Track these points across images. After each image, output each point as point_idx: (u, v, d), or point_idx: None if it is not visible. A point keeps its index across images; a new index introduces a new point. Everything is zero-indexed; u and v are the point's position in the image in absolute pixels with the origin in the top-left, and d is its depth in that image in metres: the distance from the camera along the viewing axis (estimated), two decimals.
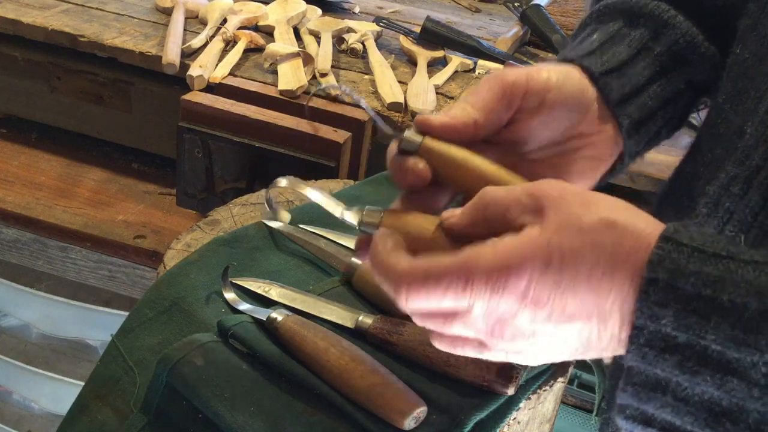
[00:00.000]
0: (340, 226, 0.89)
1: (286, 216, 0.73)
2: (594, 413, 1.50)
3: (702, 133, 0.68)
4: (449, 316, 0.51)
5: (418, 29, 1.51)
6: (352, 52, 1.44)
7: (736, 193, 0.57)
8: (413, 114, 1.25)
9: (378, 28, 1.52)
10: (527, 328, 0.50)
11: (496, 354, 0.53)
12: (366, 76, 1.37)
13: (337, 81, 1.32)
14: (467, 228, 0.53)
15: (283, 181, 0.79)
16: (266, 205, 0.65)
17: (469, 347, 0.54)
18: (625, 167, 0.69)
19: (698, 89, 0.70)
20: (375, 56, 1.41)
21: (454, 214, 0.54)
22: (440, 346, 0.54)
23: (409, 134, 0.58)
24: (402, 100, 1.27)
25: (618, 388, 0.51)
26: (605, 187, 1.34)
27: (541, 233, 0.49)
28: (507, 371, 0.68)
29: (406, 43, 1.47)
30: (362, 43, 1.46)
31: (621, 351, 0.50)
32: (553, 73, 0.62)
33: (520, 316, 0.50)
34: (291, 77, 1.29)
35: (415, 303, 0.51)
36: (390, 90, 1.30)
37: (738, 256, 0.47)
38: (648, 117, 0.67)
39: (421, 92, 1.29)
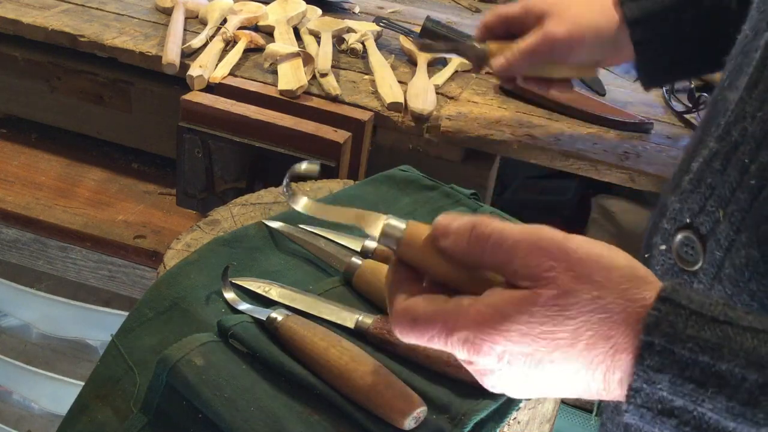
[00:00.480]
0: (340, 226, 0.89)
1: (303, 201, 0.70)
2: (593, 413, 1.50)
3: (704, 113, 0.70)
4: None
5: (418, 29, 1.51)
6: (352, 52, 1.44)
7: (717, 168, 0.57)
8: (413, 114, 1.25)
9: (378, 28, 1.52)
10: (509, 377, 0.52)
11: (493, 389, 0.55)
12: (366, 76, 1.37)
13: (337, 81, 1.32)
14: (458, 255, 0.53)
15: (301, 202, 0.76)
16: (284, 189, 0.64)
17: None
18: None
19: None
20: (375, 56, 1.41)
21: (447, 233, 0.54)
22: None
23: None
24: (402, 100, 1.27)
25: None
26: (605, 186, 1.34)
27: (530, 296, 0.49)
28: None
29: (406, 43, 1.47)
30: (362, 43, 1.46)
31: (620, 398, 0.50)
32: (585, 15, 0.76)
33: (498, 372, 0.52)
34: (291, 77, 1.29)
35: (406, 340, 0.55)
36: (390, 90, 1.30)
37: (737, 322, 0.46)
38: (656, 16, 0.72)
39: (421, 92, 1.29)
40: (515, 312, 0.49)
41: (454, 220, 0.54)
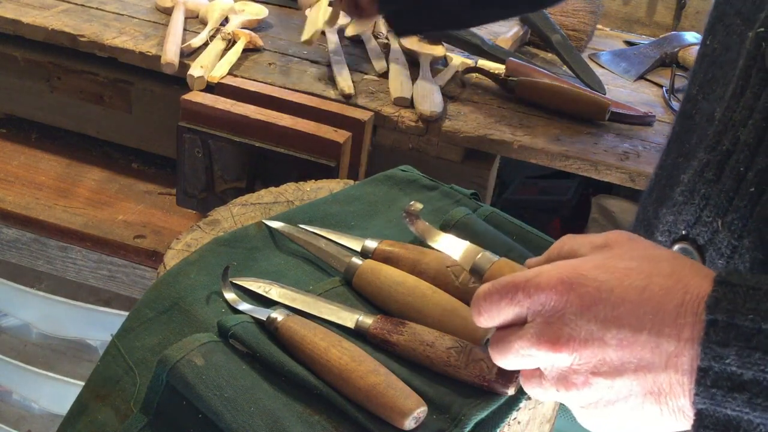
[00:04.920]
0: (340, 226, 0.89)
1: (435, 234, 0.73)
2: None
3: (677, 125, 0.70)
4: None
5: None
6: (384, 45, 1.48)
7: (709, 178, 0.58)
8: (422, 116, 1.25)
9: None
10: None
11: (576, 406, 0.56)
12: (366, 76, 1.37)
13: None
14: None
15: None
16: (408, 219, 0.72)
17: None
18: None
19: None
20: (396, 53, 1.44)
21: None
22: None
23: None
24: (409, 96, 1.28)
25: None
26: (605, 186, 1.34)
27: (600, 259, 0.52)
28: (507, 372, 0.68)
29: (406, 42, 1.47)
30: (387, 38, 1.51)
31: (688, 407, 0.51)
32: None
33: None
34: (310, 27, 1.38)
35: (487, 307, 0.58)
36: (400, 86, 1.31)
37: None
38: None
39: (428, 94, 1.30)
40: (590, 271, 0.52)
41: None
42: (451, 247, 0.68)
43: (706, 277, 0.50)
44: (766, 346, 0.46)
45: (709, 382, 0.48)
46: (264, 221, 0.88)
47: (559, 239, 0.58)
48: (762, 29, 0.57)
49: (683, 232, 0.58)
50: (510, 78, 1.37)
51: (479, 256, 0.65)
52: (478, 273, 0.65)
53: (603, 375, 0.52)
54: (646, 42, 1.72)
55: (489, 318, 0.57)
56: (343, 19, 1.55)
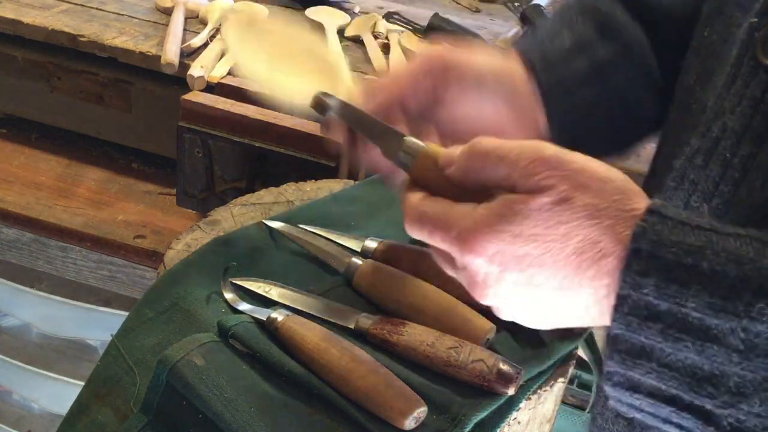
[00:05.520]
0: (340, 226, 0.89)
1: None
2: (587, 410, 1.50)
3: (673, 114, 0.70)
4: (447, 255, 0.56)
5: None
6: (384, 47, 1.47)
7: (698, 164, 0.59)
8: None
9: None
10: (504, 288, 0.53)
11: (486, 300, 0.55)
12: (366, 76, 1.37)
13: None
14: (462, 178, 0.56)
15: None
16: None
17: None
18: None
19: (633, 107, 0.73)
20: (397, 53, 1.44)
21: (451, 161, 0.56)
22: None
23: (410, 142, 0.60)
24: None
25: (605, 356, 0.52)
26: None
27: (527, 201, 0.51)
28: (507, 373, 0.68)
29: (406, 42, 1.47)
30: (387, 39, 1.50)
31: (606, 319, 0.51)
32: (482, 56, 0.65)
33: (492, 280, 0.53)
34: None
35: (412, 234, 0.57)
36: None
37: (721, 229, 0.48)
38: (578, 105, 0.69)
39: None
40: (510, 213, 0.51)
41: (456, 148, 0.56)
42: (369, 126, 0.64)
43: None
44: (684, 279, 0.47)
45: (626, 309, 0.49)
46: (264, 221, 0.88)
47: (474, 143, 0.55)
48: (755, 19, 0.58)
49: None
50: None
51: (405, 140, 0.60)
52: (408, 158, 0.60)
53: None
54: None
55: (413, 234, 0.57)
56: (342, 20, 1.55)
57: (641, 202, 0.51)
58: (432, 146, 0.59)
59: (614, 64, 0.70)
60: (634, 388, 0.51)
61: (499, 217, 0.51)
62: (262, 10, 1.55)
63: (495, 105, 0.66)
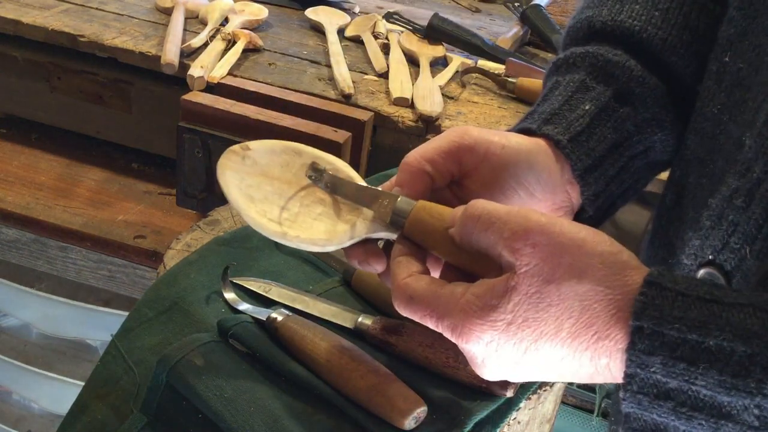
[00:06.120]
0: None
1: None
2: (595, 413, 1.50)
3: (693, 143, 0.68)
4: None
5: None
6: (384, 46, 1.47)
7: (739, 205, 0.57)
8: (422, 116, 1.25)
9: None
10: (501, 364, 0.53)
11: (489, 377, 0.55)
12: (366, 76, 1.37)
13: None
14: (456, 238, 0.55)
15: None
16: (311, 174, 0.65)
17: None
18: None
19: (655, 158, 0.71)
20: (396, 52, 1.44)
21: (454, 221, 0.55)
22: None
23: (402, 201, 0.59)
24: (409, 97, 1.28)
25: None
26: None
27: (513, 284, 0.50)
28: None
29: (406, 42, 1.47)
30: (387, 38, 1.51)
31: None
32: (508, 139, 0.63)
33: (489, 359, 0.53)
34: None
35: (403, 314, 0.56)
36: (400, 86, 1.31)
37: (722, 300, 0.47)
38: (606, 184, 0.68)
39: (428, 94, 1.30)
40: (499, 302, 0.51)
41: (460, 209, 0.55)
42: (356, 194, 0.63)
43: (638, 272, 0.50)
44: (690, 356, 0.46)
45: (635, 388, 0.48)
46: None
47: (470, 205, 0.54)
48: None
49: (710, 257, 0.58)
50: (510, 78, 1.37)
51: (398, 200, 0.59)
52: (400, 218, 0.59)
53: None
54: None
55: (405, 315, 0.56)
56: (342, 20, 1.56)
57: (634, 273, 0.50)
58: (425, 202, 0.59)
59: (632, 119, 0.68)
60: None
61: (489, 307, 0.51)
62: (261, 9, 1.55)
63: (527, 185, 0.64)
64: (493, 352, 0.52)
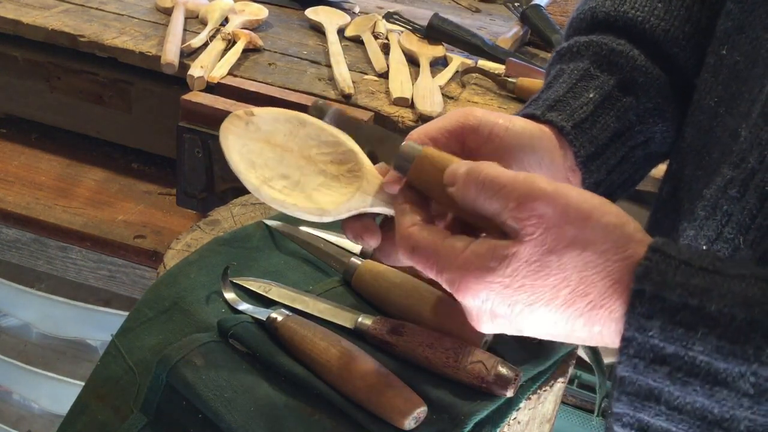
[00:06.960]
0: (340, 226, 0.89)
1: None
2: (595, 413, 1.50)
3: (690, 136, 0.68)
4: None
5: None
6: (384, 46, 1.47)
7: (733, 195, 0.57)
8: (422, 116, 1.25)
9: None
10: (497, 321, 0.54)
11: (483, 330, 0.56)
12: (366, 76, 1.37)
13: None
14: (458, 200, 0.55)
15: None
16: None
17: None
18: None
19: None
20: (396, 52, 1.44)
21: (454, 180, 0.55)
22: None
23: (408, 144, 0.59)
24: (409, 97, 1.28)
25: (613, 397, 0.51)
26: None
27: (514, 251, 0.51)
28: (506, 375, 0.68)
29: (406, 42, 1.47)
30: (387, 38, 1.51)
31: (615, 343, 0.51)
32: (512, 122, 0.63)
33: (484, 314, 0.53)
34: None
35: (406, 263, 0.57)
36: (400, 86, 1.31)
37: (725, 271, 0.47)
38: (609, 171, 0.68)
39: (428, 94, 1.30)
40: (498, 265, 0.51)
41: (461, 166, 0.55)
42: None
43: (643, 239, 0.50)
44: (690, 322, 0.46)
45: (632, 351, 0.49)
46: (264, 221, 0.88)
47: (477, 167, 0.54)
48: None
49: (704, 247, 0.58)
50: (510, 78, 1.37)
51: (404, 143, 0.59)
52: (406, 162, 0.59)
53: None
54: None
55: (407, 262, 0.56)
56: (342, 20, 1.56)
57: (636, 246, 0.50)
58: (430, 150, 0.58)
59: (634, 109, 0.68)
60: (643, 429, 0.51)
61: (487, 268, 0.51)
62: (261, 9, 1.55)
63: (529, 169, 0.64)
64: (488, 310, 0.53)
